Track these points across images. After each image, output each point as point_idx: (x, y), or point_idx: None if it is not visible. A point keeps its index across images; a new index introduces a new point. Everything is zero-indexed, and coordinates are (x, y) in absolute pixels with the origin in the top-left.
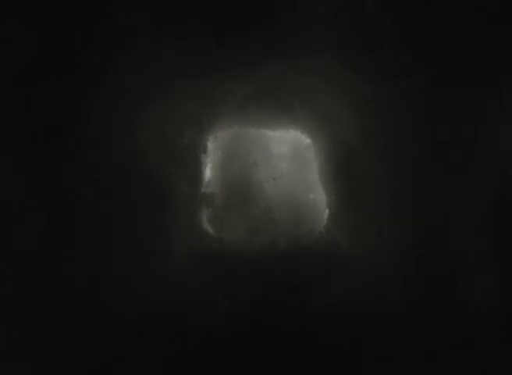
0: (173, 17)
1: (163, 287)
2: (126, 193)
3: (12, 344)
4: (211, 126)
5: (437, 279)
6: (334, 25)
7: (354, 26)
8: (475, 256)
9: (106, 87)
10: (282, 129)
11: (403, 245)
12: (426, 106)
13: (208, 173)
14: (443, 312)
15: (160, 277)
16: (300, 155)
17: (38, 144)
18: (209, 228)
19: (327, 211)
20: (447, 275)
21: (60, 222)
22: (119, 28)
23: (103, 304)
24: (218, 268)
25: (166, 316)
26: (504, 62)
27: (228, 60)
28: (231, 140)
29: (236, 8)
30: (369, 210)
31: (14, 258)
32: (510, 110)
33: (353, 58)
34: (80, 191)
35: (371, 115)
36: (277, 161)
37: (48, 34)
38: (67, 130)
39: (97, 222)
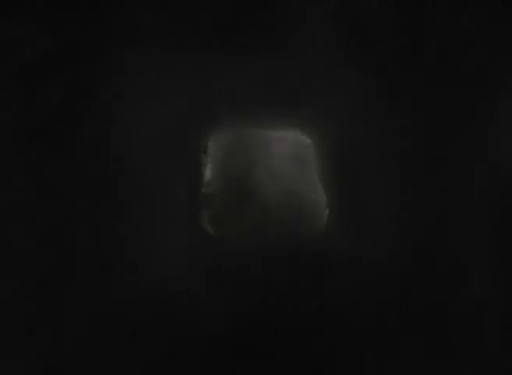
0: (173, 17)
1: (163, 287)
2: (126, 193)
3: (13, 343)
4: (211, 126)
5: (437, 279)
6: (334, 24)
7: (354, 25)
8: (475, 257)
9: (106, 87)
10: (282, 129)
11: (403, 245)
12: (427, 106)
13: (208, 173)
14: (443, 313)
15: (160, 277)
16: (300, 155)
17: (38, 143)
18: (209, 228)
19: (327, 211)
20: (447, 275)
21: (60, 221)
22: (119, 28)
23: (103, 303)
24: (218, 267)
25: (166, 315)
26: (504, 62)
27: (228, 60)
28: (231, 140)
29: (236, 9)
30: (369, 210)
31: (14, 258)
32: (510, 110)
33: (354, 57)
34: (80, 190)
35: (372, 114)
36: (277, 161)
37: (48, 34)
38: (67, 129)
39: (98, 221)
